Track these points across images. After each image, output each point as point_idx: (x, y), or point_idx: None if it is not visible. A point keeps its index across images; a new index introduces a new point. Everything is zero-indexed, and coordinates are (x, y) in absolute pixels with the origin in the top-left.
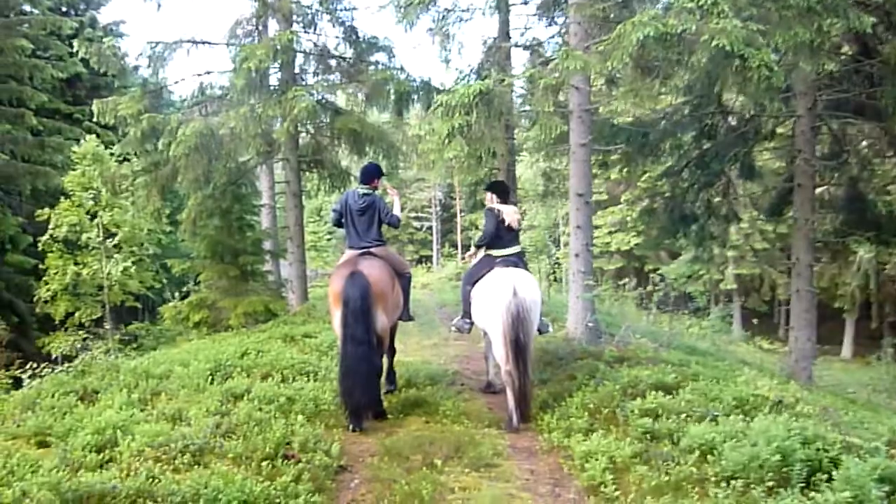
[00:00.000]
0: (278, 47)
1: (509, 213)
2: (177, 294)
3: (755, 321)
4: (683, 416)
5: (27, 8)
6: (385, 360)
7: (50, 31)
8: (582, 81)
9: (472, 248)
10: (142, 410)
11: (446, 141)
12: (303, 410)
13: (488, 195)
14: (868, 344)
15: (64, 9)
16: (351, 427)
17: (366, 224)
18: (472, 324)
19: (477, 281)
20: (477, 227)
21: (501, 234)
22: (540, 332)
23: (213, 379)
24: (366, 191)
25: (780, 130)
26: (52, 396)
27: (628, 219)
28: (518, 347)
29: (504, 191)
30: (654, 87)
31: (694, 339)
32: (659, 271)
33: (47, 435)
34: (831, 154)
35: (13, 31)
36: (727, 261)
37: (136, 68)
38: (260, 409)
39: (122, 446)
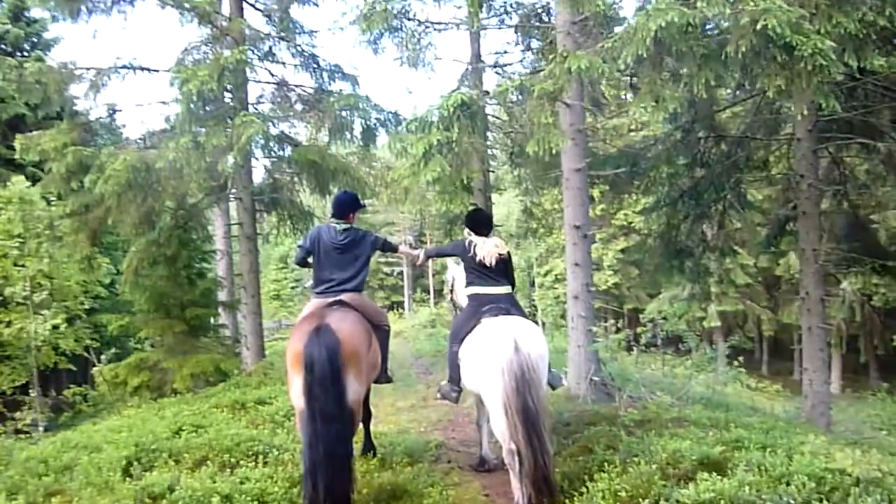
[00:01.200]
0: (226, 68)
1: (485, 247)
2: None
3: (741, 358)
4: None
5: None
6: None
7: None
8: (575, 97)
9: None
10: None
11: (422, 163)
12: None
13: (465, 231)
14: (854, 378)
15: (8, 49)
16: None
17: (345, 265)
18: (460, 391)
19: (465, 336)
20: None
21: (478, 273)
22: (552, 386)
23: (129, 471)
24: (345, 225)
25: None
26: None
27: (604, 257)
28: (528, 418)
29: (479, 221)
30: (675, 91)
31: (680, 380)
32: (647, 311)
33: None
34: (828, 180)
35: None
36: (710, 297)
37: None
38: None
39: None
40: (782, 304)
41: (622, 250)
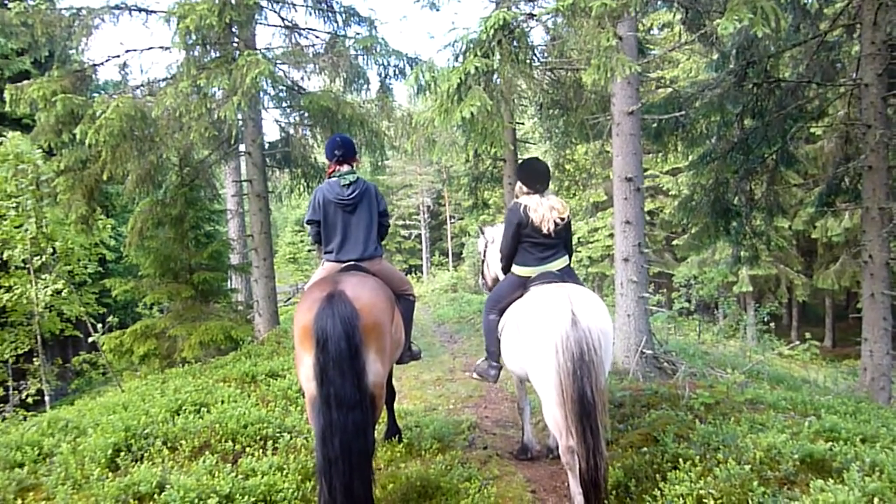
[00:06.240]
0: (228, 3)
1: (540, 209)
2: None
3: (771, 325)
4: None
5: None
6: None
7: None
8: (628, 27)
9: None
10: None
11: (455, 97)
12: None
13: (517, 186)
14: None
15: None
16: None
17: (357, 225)
18: (499, 368)
19: (507, 306)
20: (469, 234)
21: (530, 244)
22: None
23: (115, 462)
24: (352, 178)
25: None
26: None
27: None
28: (584, 408)
29: (535, 173)
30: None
31: (707, 346)
32: (678, 276)
33: None
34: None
35: None
36: (758, 260)
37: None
38: None
39: None
40: (817, 268)
41: (648, 212)
